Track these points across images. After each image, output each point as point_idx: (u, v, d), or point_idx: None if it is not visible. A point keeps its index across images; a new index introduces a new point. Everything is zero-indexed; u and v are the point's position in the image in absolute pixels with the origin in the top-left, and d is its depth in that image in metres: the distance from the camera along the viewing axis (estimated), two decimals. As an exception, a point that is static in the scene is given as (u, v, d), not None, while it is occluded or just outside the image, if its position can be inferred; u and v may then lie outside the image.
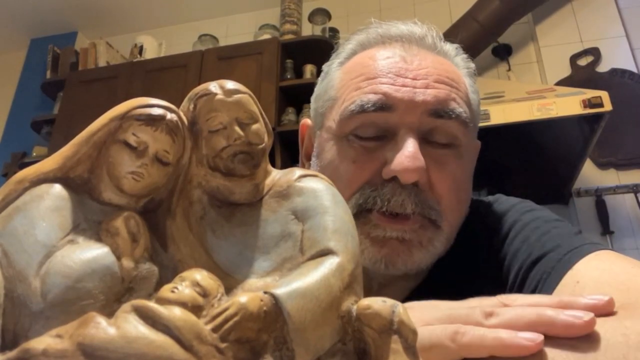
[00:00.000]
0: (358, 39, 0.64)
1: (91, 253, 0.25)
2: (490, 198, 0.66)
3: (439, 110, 0.55)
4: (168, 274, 0.27)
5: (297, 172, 0.31)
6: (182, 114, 0.30)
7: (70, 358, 0.19)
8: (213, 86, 0.30)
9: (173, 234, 0.29)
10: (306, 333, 0.23)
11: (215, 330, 0.21)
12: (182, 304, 0.22)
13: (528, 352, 0.29)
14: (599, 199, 2.12)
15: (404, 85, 0.55)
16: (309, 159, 0.66)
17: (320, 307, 0.24)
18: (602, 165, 2.19)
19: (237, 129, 0.30)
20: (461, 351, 0.30)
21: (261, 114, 0.31)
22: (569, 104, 1.76)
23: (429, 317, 0.33)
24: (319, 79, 0.67)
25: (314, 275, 0.25)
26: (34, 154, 2.74)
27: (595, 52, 2.37)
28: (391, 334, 0.24)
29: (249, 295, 0.23)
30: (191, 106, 0.30)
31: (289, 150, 2.30)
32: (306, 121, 0.69)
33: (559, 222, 0.57)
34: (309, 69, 2.45)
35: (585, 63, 2.37)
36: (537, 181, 2.18)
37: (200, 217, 0.30)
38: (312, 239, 0.27)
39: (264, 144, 0.31)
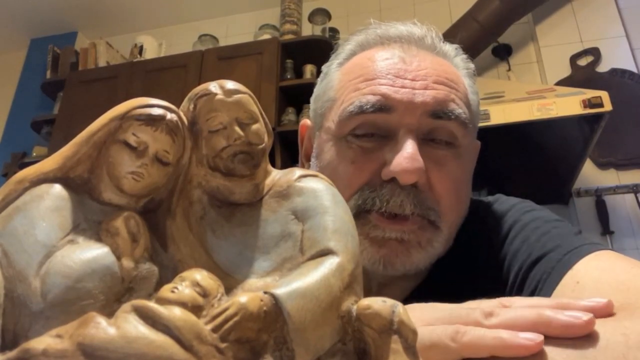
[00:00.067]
0: (357, 39, 0.64)
1: (91, 253, 0.25)
2: (490, 198, 0.66)
3: (438, 111, 0.55)
4: (168, 274, 0.27)
5: (297, 172, 0.31)
6: (182, 114, 0.30)
7: (70, 358, 0.19)
8: (213, 86, 0.30)
9: (173, 234, 0.29)
10: (306, 333, 0.23)
11: (215, 330, 0.21)
12: (182, 304, 0.22)
13: (528, 352, 0.29)
14: (599, 199, 2.12)
15: (403, 87, 0.55)
16: (308, 159, 0.66)
17: (320, 307, 0.24)
18: (602, 165, 2.19)
19: (237, 129, 0.30)
20: (461, 351, 0.30)
21: (261, 114, 0.31)
22: (569, 104, 1.77)
23: (429, 317, 0.33)
24: (318, 79, 0.67)
25: (314, 275, 0.25)
26: (34, 154, 2.75)
27: (595, 52, 2.37)
28: (391, 334, 0.24)
29: (249, 295, 0.23)
30: (191, 106, 0.30)
31: (289, 150, 2.30)
32: (306, 122, 0.69)
33: (559, 222, 0.57)
34: (309, 69, 2.45)
35: (585, 63, 2.37)
36: (537, 181, 2.18)
37: (200, 217, 0.30)
38: (312, 239, 0.27)
39: (264, 144, 0.31)
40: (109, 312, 0.22)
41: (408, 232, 0.54)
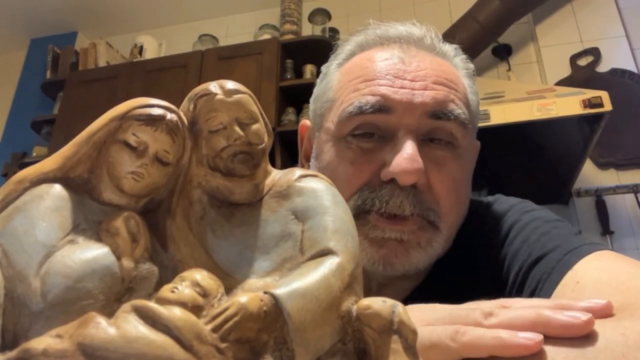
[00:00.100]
0: (356, 40, 0.64)
1: (91, 253, 0.25)
2: (489, 198, 0.66)
3: (438, 112, 0.55)
4: (168, 274, 0.27)
5: (297, 172, 0.31)
6: (182, 114, 0.30)
7: (70, 358, 0.19)
8: (213, 86, 0.30)
9: (173, 234, 0.29)
10: (306, 333, 0.23)
11: (215, 330, 0.21)
12: (182, 304, 0.22)
13: (528, 352, 0.29)
14: (599, 199, 2.12)
15: (402, 87, 0.55)
16: (308, 160, 0.66)
17: (320, 307, 0.24)
18: (602, 165, 2.19)
19: (237, 129, 0.30)
20: (461, 351, 0.30)
21: (261, 114, 0.31)
22: (569, 104, 1.77)
23: (429, 318, 0.33)
24: (318, 80, 0.67)
25: (314, 276, 0.25)
26: (34, 154, 2.75)
27: (595, 52, 2.37)
28: (391, 334, 0.24)
29: (249, 295, 0.23)
30: (191, 106, 0.30)
31: (289, 150, 2.30)
32: (305, 122, 0.69)
33: (558, 222, 0.57)
34: (309, 69, 2.45)
35: (585, 63, 2.37)
36: (537, 181, 2.18)
37: (200, 217, 0.30)
38: (312, 239, 0.27)
39: (264, 144, 0.31)
40: (109, 312, 0.22)
41: (407, 233, 0.54)
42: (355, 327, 0.25)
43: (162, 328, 0.20)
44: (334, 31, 2.72)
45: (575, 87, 1.90)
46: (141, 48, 2.87)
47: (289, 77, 2.44)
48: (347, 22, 2.82)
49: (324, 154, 0.59)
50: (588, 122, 1.83)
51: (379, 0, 2.89)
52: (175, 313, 0.21)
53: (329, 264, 0.26)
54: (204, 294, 0.24)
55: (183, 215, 0.30)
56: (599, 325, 0.31)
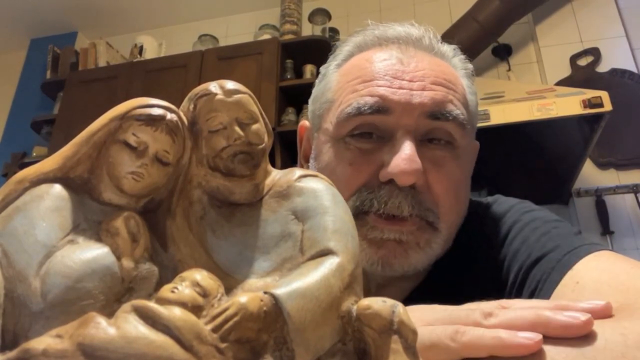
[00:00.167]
0: (355, 40, 0.64)
1: (91, 253, 0.25)
2: (489, 199, 0.66)
3: (436, 112, 0.55)
4: (168, 274, 0.27)
5: (297, 172, 0.31)
6: (182, 114, 0.30)
7: (70, 358, 0.19)
8: (213, 86, 0.30)
9: (173, 234, 0.29)
10: (306, 333, 0.23)
11: (215, 330, 0.21)
12: (182, 304, 0.22)
13: (527, 351, 0.29)
14: (599, 199, 2.12)
15: (400, 88, 0.55)
16: (307, 160, 0.66)
17: (320, 307, 0.24)
18: (602, 165, 2.19)
19: (237, 129, 0.30)
20: (461, 351, 0.30)
21: (261, 114, 0.31)
22: (569, 104, 1.77)
23: (429, 318, 0.33)
24: (317, 81, 0.67)
25: (314, 276, 0.25)
26: (34, 154, 2.75)
27: (595, 52, 2.37)
28: (391, 334, 0.24)
29: (249, 295, 0.23)
30: (191, 106, 0.30)
31: (289, 150, 2.30)
32: (304, 123, 0.69)
33: (558, 223, 0.57)
34: (309, 69, 2.45)
35: (585, 63, 2.37)
36: (537, 181, 2.18)
37: (200, 217, 0.30)
38: (312, 239, 0.27)
39: (264, 144, 0.31)
40: (109, 312, 0.22)
41: (406, 233, 0.54)
42: (355, 327, 0.25)
43: (162, 328, 0.20)
44: (334, 31, 2.72)
45: (575, 87, 1.90)
46: (141, 48, 2.87)
47: (289, 77, 2.44)
48: (347, 22, 2.82)
49: (323, 155, 0.59)
50: (588, 122, 1.83)
51: (379, 1, 2.89)
52: (175, 313, 0.21)
53: (329, 264, 0.26)
54: (204, 294, 0.24)
55: (183, 215, 0.30)
56: (598, 326, 0.31)
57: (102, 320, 0.20)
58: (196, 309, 0.23)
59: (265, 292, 0.23)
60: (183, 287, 0.23)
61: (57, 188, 0.27)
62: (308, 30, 2.73)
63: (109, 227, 0.26)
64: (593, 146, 1.90)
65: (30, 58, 3.23)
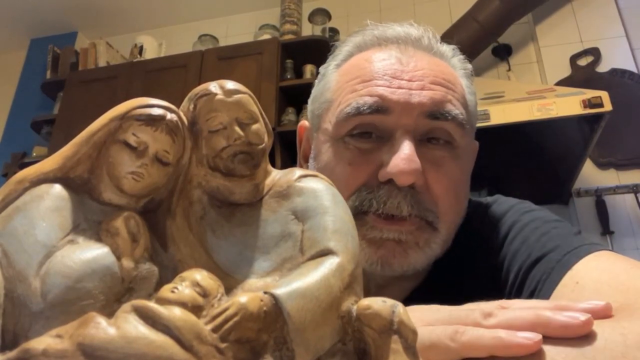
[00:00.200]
0: (354, 40, 0.64)
1: (91, 253, 0.25)
2: (489, 199, 0.66)
3: (435, 112, 0.55)
4: (168, 274, 0.27)
5: (297, 172, 0.31)
6: (182, 114, 0.30)
7: (70, 358, 0.19)
8: (213, 86, 0.30)
9: (173, 234, 0.29)
10: (306, 333, 0.23)
11: (215, 330, 0.21)
12: (182, 304, 0.22)
13: (527, 351, 0.29)
14: (599, 199, 2.12)
15: (399, 87, 0.55)
16: (306, 160, 0.66)
17: (320, 307, 0.24)
18: (602, 165, 2.19)
19: (237, 129, 0.30)
20: (461, 351, 0.30)
21: (261, 114, 0.31)
22: (569, 104, 1.77)
23: (428, 318, 0.33)
24: (316, 81, 0.67)
25: (314, 276, 0.25)
26: (34, 154, 2.75)
27: (595, 52, 2.37)
28: (391, 334, 0.24)
29: (249, 295, 0.23)
30: (191, 106, 0.30)
31: (289, 150, 2.30)
32: (304, 123, 0.69)
33: (558, 223, 0.57)
34: (309, 69, 2.45)
35: (585, 63, 2.37)
36: (537, 181, 2.18)
37: (200, 217, 0.30)
38: (312, 239, 0.27)
39: (264, 144, 0.31)
40: (109, 312, 0.22)
41: (406, 233, 0.54)
42: (355, 327, 0.25)
43: (162, 328, 0.20)
44: (334, 31, 2.72)
45: (575, 87, 1.90)
46: (141, 48, 2.87)
47: (289, 77, 2.44)
48: (347, 22, 2.82)
49: (322, 155, 0.59)
50: (588, 122, 1.83)
51: (379, 1, 2.89)
52: (175, 313, 0.21)
53: (329, 264, 0.26)
54: (204, 294, 0.24)
55: (183, 215, 0.30)
56: (598, 325, 0.31)
57: (102, 320, 0.20)
58: (196, 309, 0.23)
59: (265, 292, 0.23)
60: (183, 287, 0.23)
61: (57, 188, 0.27)
62: (308, 30, 2.73)
63: (109, 227, 0.26)
64: (593, 146, 1.90)
65: (30, 58, 3.23)
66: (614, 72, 2.31)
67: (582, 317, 0.30)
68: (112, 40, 3.07)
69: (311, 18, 2.69)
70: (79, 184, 0.28)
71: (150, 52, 2.88)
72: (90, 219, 0.27)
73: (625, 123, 2.14)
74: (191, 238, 0.29)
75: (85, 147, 0.28)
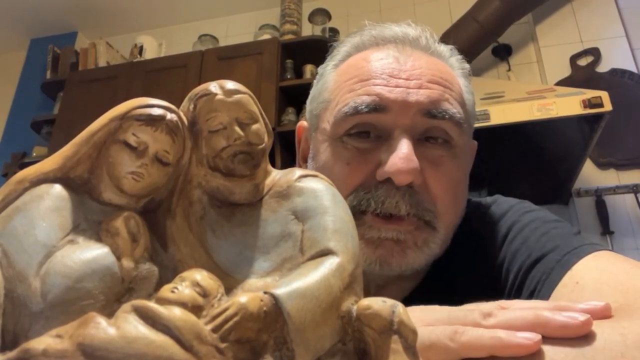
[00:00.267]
0: (352, 41, 0.64)
1: (91, 253, 0.25)
2: (488, 199, 0.66)
3: (432, 111, 0.55)
4: (168, 274, 0.27)
5: (297, 172, 0.31)
6: (182, 114, 0.30)
7: (70, 358, 0.19)
8: (213, 86, 0.30)
9: (173, 234, 0.29)
10: (306, 333, 0.23)
11: (215, 330, 0.21)
12: (182, 304, 0.22)
13: (527, 351, 0.29)
14: (599, 199, 2.12)
15: (397, 86, 0.55)
16: (305, 160, 0.66)
17: (320, 307, 0.24)
18: (602, 165, 2.19)
19: (237, 129, 0.30)
20: (460, 351, 0.30)
21: (261, 114, 0.31)
22: (569, 104, 1.77)
23: (428, 318, 0.33)
24: (314, 81, 0.68)
25: (314, 276, 0.25)
26: (34, 154, 2.75)
27: (595, 52, 2.37)
28: (391, 334, 0.24)
29: (249, 295, 0.23)
30: (191, 106, 0.30)
31: (289, 150, 2.30)
32: (302, 123, 0.69)
33: (558, 223, 0.57)
34: (309, 69, 2.45)
35: (585, 63, 2.37)
36: (537, 181, 2.18)
37: (200, 217, 0.30)
38: (312, 239, 0.27)
39: (264, 144, 0.31)
40: (109, 312, 0.22)
41: (404, 233, 0.54)
42: (355, 327, 0.25)
43: (162, 328, 0.20)
44: (334, 31, 2.72)
45: (575, 87, 1.90)
46: (141, 48, 2.87)
47: (289, 77, 2.44)
48: (347, 22, 2.82)
49: (320, 154, 0.60)
50: (588, 122, 1.83)
51: (379, 1, 2.89)
52: (175, 313, 0.21)
53: (329, 264, 0.26)
54: (204, 294, 0.24)
55: (183, 215, 0.30)
56: (598, 326, 0.31)
57: (102, 320, 0.20)
58: (196, 309, 0.23)
59: (265, 292, 0.23)
60: (183, 287, 0.23)
61: (57, 188, 0.27)
62: (308, 30, 2.73)
63: (109, 227, 0.26)
64: (593, 146, 1.90)
65: (30, 58, 3.23)
66: (614, 72, 2.31)
67: (582, 317, 0.31)
68: (112, 40, 3.07)
69: (311, 18, 2.70)
70: (79, 184, 0.28)
71: (150, 52, 2.88)
72: (90, 219, 0.27)
73: (625, 123, 2.14)
74: (191, 238, 0.29)
75: (85, 147, 0.28)
